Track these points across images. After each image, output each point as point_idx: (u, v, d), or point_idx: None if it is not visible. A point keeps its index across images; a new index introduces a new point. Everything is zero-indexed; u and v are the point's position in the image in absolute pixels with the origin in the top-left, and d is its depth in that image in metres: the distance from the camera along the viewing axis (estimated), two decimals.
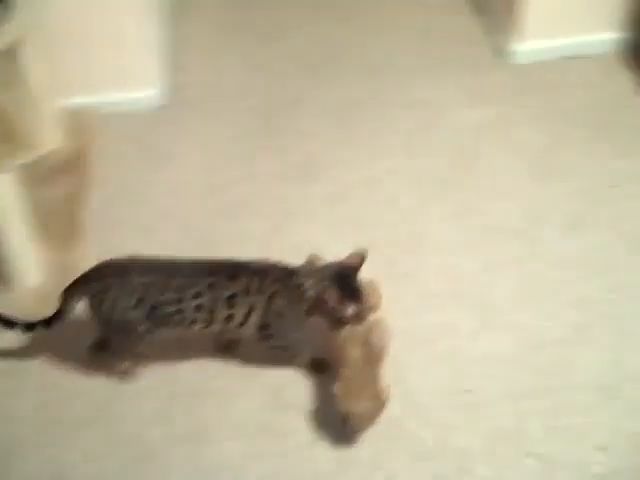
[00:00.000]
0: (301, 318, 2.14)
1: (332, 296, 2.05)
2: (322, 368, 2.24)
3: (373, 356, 2.06)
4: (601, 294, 2.45)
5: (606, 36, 3.29)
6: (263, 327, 2.13)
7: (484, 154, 2.91)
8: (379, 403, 2.04)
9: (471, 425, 2.15)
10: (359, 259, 2.11)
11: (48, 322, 2.16)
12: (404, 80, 3.24)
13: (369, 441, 2.12)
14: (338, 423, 2.09)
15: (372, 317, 2.11)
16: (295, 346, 2.23)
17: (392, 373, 2.11)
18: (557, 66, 3.25)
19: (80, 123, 2.89)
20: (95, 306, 2.13)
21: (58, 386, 2.29)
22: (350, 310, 2.07)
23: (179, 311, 2.08)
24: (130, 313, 2.09)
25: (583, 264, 2.53)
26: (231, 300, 2.08)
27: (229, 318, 2.10)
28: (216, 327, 2.13)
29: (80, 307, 2.17)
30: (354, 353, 2.07)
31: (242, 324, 2.12)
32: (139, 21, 2.98)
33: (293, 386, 2.26)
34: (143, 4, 3.00)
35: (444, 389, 2.24)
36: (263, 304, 2.09)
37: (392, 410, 2.09)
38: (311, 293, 2.07)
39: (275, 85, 3.25)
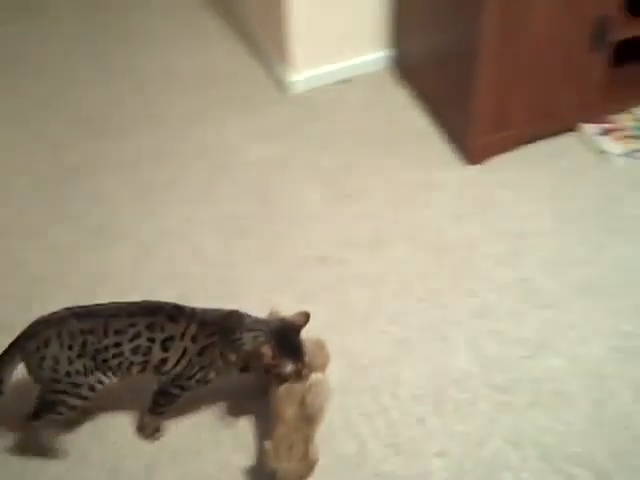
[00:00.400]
0: (228, 372, 2.12)
1: (268, 352, 2.01)
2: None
3: (308, 416, 2.05)
4: (416, 306, 2.54)
5: (374, 56, 3.43)
6: (184, 375, 2.09)
7: (280, 187, 2.96)
8: (308, 464, 2.03)
9: None
10: (303, 318, 2.09)
11: None
12: (192, 126, 3.25)
13: None
14: None
15: (314, 376, 2.10)
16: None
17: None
18: (334, 90, 3.36)
19: None
20: (34, 366, 2.04)
21: None
22: (288, 368, 2.04)
23: (118, 354, 2.03)
24: (76, 364, 2.02)
25: (394, 279, 2.63)
26: (166, 343, 2.03)
27: (163, 361, 2.06)
28: (150, 371, 2.08)
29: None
30: (290, 411, 2.05)
31: (173, 368, 2.08)
32: None
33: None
34: None
35: None
36: (194, 352, 2.05)
37: None
38: (247, 348, 2.04)
39: (57, 153, 3.16)
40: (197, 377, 2.09)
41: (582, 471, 2.12)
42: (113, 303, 2.12)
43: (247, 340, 2.05)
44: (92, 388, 2.08)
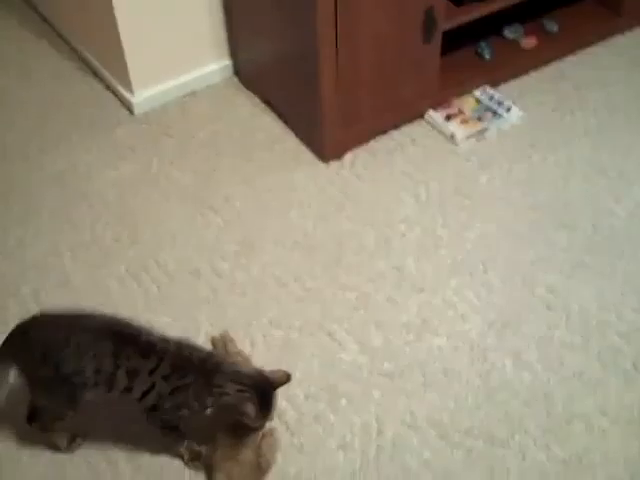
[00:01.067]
0: (203, 417, 2.05)
1: (252, 412, 1.97)
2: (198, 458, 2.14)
3: (260, 463, 2.05)
4: (296, 306, 2.55)
5: (215, 66, 3.41)
6: (155, 409, 2.01)
7: (141, 207, 2.90)
8: None
9: None
10: (284, 378, 2.04)
11: None
12: (38, 156, 3.13)
13: None
14: None
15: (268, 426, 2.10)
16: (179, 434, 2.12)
17: None
18: (181, 104, 3.33)
19: None
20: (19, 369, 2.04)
21: None
22: (259, 422, 2.03)
23: (79, 372, 1.96)
24: (42, 370, 2.00)
25: (270, 283, 2.63)
26: (132, 374, 1.96)
27: (128, 390, 1.97)
28: (115, 394, 1.99)
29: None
30: (247, 454, 2.04)
31: (139, 400, 1.99)
32: None
33: None
34: None
35: None
36: (166, 391, 1.97)
37: None
38: (229, 400, 1.97)
39: None
40: (168, 414, 2.03)
41: (479, 442, 2.19)
42: (88, 314, 2.06)
43: (231, 391, 1.98)
44: (70, 402, 2.04)
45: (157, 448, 2.20)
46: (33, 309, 2.49)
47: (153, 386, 1.98)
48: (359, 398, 2.30)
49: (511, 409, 2.25)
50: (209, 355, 2.07)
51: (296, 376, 2.32)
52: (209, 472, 2.10)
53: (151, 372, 1.97)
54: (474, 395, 2.29)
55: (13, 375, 2.06)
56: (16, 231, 2.85)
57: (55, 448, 2.20)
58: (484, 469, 2.13)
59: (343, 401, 2.30)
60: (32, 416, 2.14)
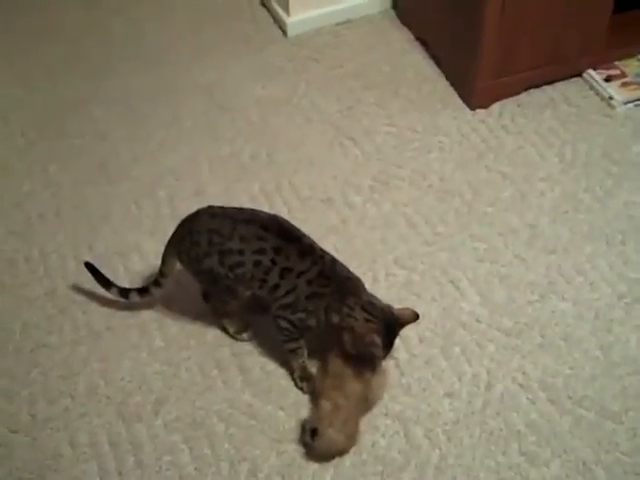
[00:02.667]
0: (324, 326, 2.07)
1: (378, 344, 1.98)
2: (308, 379, 2.18)
3: (369, 400, 2.07)
4: (423, 249, 2.52)
5: None
6: (289, 307, 2.06)
7: (282, 129, 2.92)
8: (350, 444, 2.05)
9: None
10: (412, 317, 2.06)
11: (142, 291, 2.27)
12: (189, 64, 3.19)
13: None
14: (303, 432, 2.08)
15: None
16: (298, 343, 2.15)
17: None
18: (335, 32, 3.30)
19: None
20: (181, 260, 2.17)
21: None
22: (381, 360, 2.05)
23: (241, 263, 2.02)
24: (205, 261, 2.08)
25: (400, 222, 2.61)
26: (284, 272, 2.01)
27: (275, 287, 2.04)
28: (264, 291, 2.08)
29: None
30: (355, 388, 2.04)
31: (282, 297, 2.06)
32: None
33: None
34: None
35: None
36: (304, 294, 2.02)
37: None
38: (356, 325, 1.99)
39: (53, 89, 3.09)
40: (299, 316, 2.05)
41: (590, 414, 2.13)
42: (252, 210, 2.14)
43: (359, 317, 1.99)
44: (231, 292, 2.12)
45: (272, 361, 2.25)
46: (166, 213, 2.59)
47: (295, 287, 2.02)
48: (473, 349, 2.27)
49: (629, 385, 2.18)
50: (355, 278, 2.07)
51: None
52: (315, 398, 2.13)
53: (300, 274, 2.01)
54: (592, 365, 2.23)
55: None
56: (158, 135, 2.92)
57: (225, 332, 2.30)
58: (591, 440, 2.08)
59: (457, 349, 2.27)
60: (205, 296, 2.30)
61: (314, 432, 2.01)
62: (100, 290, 2.36)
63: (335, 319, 2.01)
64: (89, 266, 2.29)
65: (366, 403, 2.09)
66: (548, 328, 2.31)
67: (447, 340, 2.30)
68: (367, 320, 1.99)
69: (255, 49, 3.24)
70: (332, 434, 2.00)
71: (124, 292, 2.29)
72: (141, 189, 2.72)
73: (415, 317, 2.06)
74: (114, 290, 2.29)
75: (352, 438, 2.05)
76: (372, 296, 2.06)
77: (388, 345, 2.03)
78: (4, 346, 2.31)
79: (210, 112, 2.99)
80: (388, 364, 2.21)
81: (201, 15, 3.41)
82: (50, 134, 2.92)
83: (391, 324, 2.02)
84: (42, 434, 2.13)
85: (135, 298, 2.29)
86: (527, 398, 2.16)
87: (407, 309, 2.07)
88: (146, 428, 2.14)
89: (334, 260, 2.06)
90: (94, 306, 2.40)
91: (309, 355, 2.19)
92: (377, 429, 2.12)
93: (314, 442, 2.02)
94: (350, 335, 2.01)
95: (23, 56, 3.26)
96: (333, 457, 2.06)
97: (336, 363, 2.08)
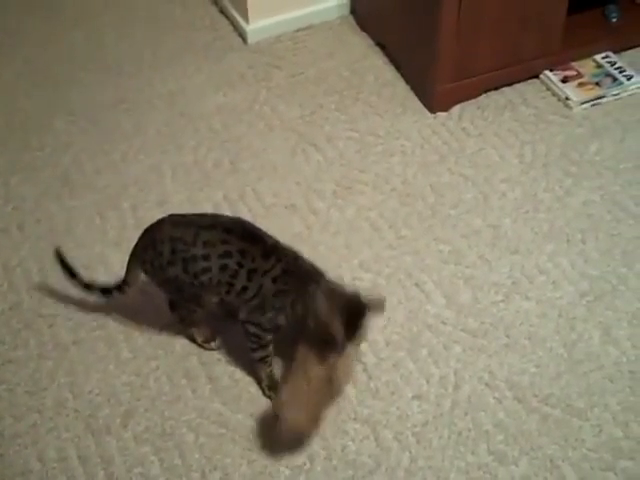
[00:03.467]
0: (292, 321, 2.05)
1: (339, 332, 1.93)
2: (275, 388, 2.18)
3: (333, 384, 2.03)
4: (388, 252, 2.54)
5: (331, 3, 3.38)
6: (258, 309, 2.05)
7: (244, 136, 2.92)
8: (314, 426, 2.05)
9: None
10: (381, 304, 2.04)
11: (105, 291, 2.25)
12: (150, 74, 3.18)
13: None
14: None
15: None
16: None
17: None
18: (294, 38, 3.32)
19: None
20: (145, 271, 2.15)
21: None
22: (342, 348, 1.99)
23: (207, 269, 2.01)
24: (169, 270, 2.06)
25: (364, 226, 2.63)
26: (250, 274, 2.00)
27: (244, 289, 2.02)
28: (232, 297, 2.06)
29: None
30: (318, 372, 2.00)
31: (249, 300, 2.04)
32: None
33: None
34: None
35: None
36: (270, 293, 2.01)
37: None
38: (318, 312, 1.95)
39: (13, 102, 3.08)
40: (268, 315, 2.04)
41: (556, 411, 2.16)
42: (214, 215, 2.18)
43: (320, 302, 1.95)
44: (197, 300, 2.13)
45: (241, 369, 2.26)
46: (130, 224, 2.59)
47: (261, 287, 2.01)
48: (440, 351, 2.30)
49: (593, 382, 2.22)
50: (316, 269, 2.06)
51: (379, 321, 2.34)
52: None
53: (264, 273, 2.00)
54: (556, 363, 2.26)
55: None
56: (121, 145, 2.91)
57: (193, 341, 2.31)
58: (558, 437, 2.11)
59: (424, 352, 2.29)
60: (171, 305, 2.28)
61: (276, 421, 2.01)
62: (65, 303, 2.35)
63: (299, 310, 2.01)
64: (58, 254, 2.25)
65: (330, 387, 2.06)
66: (513, 328, 2.34)
67: (414, 343, 2.32)
68: (329, 307, 1.98)
69: (215, 57, 3.25)
70: (292, 418, 1.99)
71: (87, 286, 2.26)
72: (105, 200, 2.71)
73: (381, 306, 2.05)
74: (78, 281, 2.26)
75: (314, 421, 2.04)
76: (335, 284, 2.05)
77: (353, 329, 1.99)
78: None
79: (172, 121, 2.99)
80: (357, 367, 2.22)
81: (160, 25, 3.41)
82: (11, 147, 2.89)
83: (356, 308, 2.00)
84: (10, 450, 2.12)
85: (96, 294, 2.27)
86: (494, 397, 2.19)
87: (374, 298, 2.06)
88: (115, 440, 2.13)
89: (297, 256, 2.06)
90: (60, 320, 2.38)
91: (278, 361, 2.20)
92: (347, 433, 2.13)
93: (277, 426, 2.02)
94: (312, 319, 1.99)
95: None
96: (300, 442, 2.07)
97: (301, 350, 2.05)
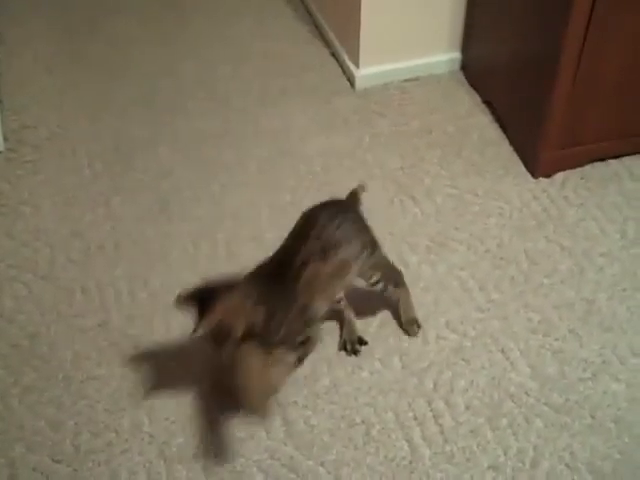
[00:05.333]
0: None
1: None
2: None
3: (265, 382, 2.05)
4: (476, 315, 2.51)
5: (442, 57, 3.39)
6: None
7: (345, 180, 2.91)
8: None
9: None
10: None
11: None
12: (253, 110, 3.23)
13: None
14: None
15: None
16: None
17: None
18: (402, 88, 3.33)
19: None
20: None
21: None
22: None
23: None
24: None
25: (454, 285, 2.60)
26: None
27: None
28: None
29: None
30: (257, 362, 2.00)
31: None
32: None
33: None
34: None
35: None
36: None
37: None
38: None
39: (122, 125, 3.16)
40: None
41: None
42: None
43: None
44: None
45: (315, 416, 2.24)
46: (222, 256, 2.61)
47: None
48: (520, 422, 2.24)
49: None
50: None
51: (461, 384, 2.31)
52: None
53: None
54: None
55: None
56: (221, 177, 2.95)
57: None
58: None
59: (504, 421, 2.24)
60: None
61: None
62: (151, 327, 2.38)
63: None
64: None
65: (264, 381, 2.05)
66: (599, 409, 2.27)
67: (494, 410, 2.27)
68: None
69: (322, 99, 3.28)
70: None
71: None
72: (200, 230, 2.75)
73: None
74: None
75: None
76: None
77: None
78: (54, 374, 2.33)
79: (274, 158, 3.02)
80: (430, 426, 2.18)
81: (271, 62, 3.47)
82: (116, 168, 2.97)
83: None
84: (84, 466, 2.14)
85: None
86: (573, 479, 2.12)
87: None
88: (186, 471, 2.13)
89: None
90: (144, 341, 2.41)
91: None
92: None
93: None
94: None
95: (95, 88, 3.34)
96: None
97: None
